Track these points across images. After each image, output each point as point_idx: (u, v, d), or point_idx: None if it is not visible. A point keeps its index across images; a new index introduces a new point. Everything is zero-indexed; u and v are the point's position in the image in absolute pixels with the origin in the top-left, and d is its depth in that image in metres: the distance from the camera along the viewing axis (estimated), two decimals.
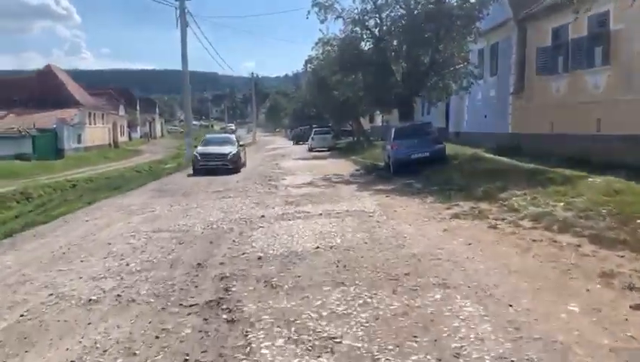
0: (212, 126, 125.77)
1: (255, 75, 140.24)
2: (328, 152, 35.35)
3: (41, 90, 46.91)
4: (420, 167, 16.78)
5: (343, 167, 23.18)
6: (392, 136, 17.57)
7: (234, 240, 8.85)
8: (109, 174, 25.27)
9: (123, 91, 75.13)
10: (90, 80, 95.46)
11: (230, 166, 21.46)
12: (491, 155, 17.90)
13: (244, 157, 24.38)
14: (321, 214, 11.09)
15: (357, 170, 20.85)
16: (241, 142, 25.04)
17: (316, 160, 28.39)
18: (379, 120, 49.72)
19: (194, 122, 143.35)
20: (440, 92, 20.59)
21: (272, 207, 12.27)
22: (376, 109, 26.08)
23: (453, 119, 28.18)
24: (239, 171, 21.69)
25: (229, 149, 22.37)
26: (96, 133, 51.52)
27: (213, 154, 22.01)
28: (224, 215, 11.59)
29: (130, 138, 70.88)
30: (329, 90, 31.46)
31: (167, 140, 79.80)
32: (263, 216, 11.13)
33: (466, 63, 20.99)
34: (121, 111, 63.03)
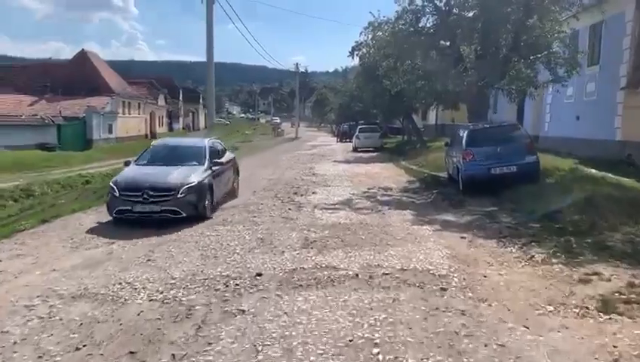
0: (258, 119, 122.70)
1: (304, 69, 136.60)
2: (375, 153, 30.40)
3: (74, 76, 44.09)
4: (501, 185, 11.83)
5: (393, 175, 18.31)
6: (465, 140, 12.54)
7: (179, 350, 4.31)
8: None
9: (165, 81, 72.36)
10: (144, 71, 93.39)
11: (184, 211, 9.95)
12: (603, 173, 12.67)
13: (233, 181, 13.39)
14: (356, 276, 6.47)
15: (411, 183, 15.95)
16: (222, 157, 12.58)
17: (360, 163, 23.57)
18: (432, 117, 44.30)
19: (240, 114, 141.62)
20: (526, 82, 15.35)
21: (280, 252, 7.68)
22: (436, 104, 20.85)
23: (529, 119, 22.68)
24: (207, 217, 10.42)
25: (186, 176, 10.38)
26: (131, 124, 48.42)
27: (147, 186, 9.96)
28: (200, 265, 7.09)
29: (170, 129, 68.01)
30: (378, 81, 26.55)
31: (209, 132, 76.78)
32: (258, 276, 6.56)
33: (563, 45, 15.55)
34: (161, 102, 60.01)
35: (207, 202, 10.45)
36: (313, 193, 13.81)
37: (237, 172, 14.19)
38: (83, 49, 48.31)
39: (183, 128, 72.27)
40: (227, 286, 6.23)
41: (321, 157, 27.57)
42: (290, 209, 11.41)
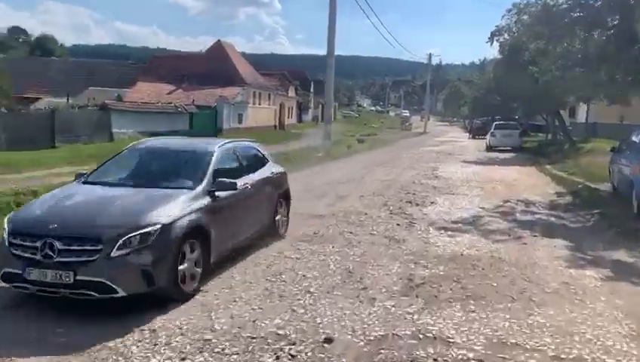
0: (388, 112, 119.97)
1: (437, 61, 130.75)
2: (512, 154, 26.34)
3: (209, 67, 45.12)
4: None
5: (535, 184, 14.86)
6: None
7: None
8: None
9: (297, 73, 72.65)
10: (282, 64, 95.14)
11: (119, 286, 4.87)
12: None
13: (274, 211, 7.80)
14: None
15: (560, 195, 12.53)
16: (252, 172, 7.32)
17: (494, 165, 20.10)
18: (582, 113, 38.34)
19: (370, 107, 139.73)
20: None
21: (369, 299, 5.33)
22: (595, 97, 16.60)
23: None
24: (185, 294, 5.33)
25: (147, 209, 5.34)
26: (260, 114, 48.61)
27: (52, 230, 5.01)
28: (257, 309, 5.01)
29: (299, 120, 68.18)
30: (521, 70, 22.83)
31: (337, 125, 75.75)
32: (326, 344, 4.32)
33: None
34: (291, 93, 60.07)
35: (185, 265, 5.35)
36: (432, 203, 11.15)
37: (285, 197, 8.32)
38: (219, 40, 49.35)
39: (312, 120, 72.11)
40: (278, 358, 4.08)
41: (448, 156, 24.40)
42: (398, 225, 8.95)
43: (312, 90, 74.73)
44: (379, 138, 45.48)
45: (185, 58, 50.10)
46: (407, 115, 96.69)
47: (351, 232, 8.33)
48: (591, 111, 35.16)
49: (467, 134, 46.76)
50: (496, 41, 24.04)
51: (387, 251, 7.21)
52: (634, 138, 10.06)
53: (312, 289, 5.61)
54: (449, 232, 8.38)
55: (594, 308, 5.11)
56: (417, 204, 11.01)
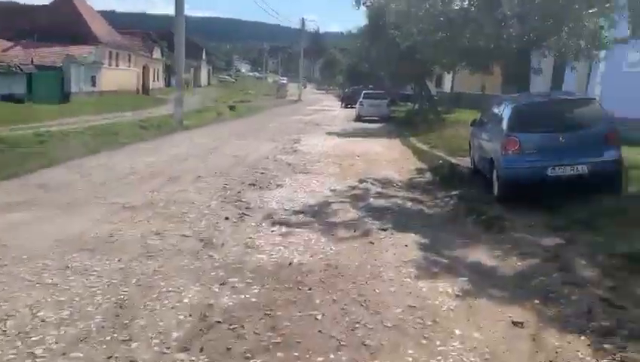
0: (266, 78, 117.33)
1: (316, 28, 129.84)
2: (380, 125, 25.59)
3: (54, 21, 39.29)
4: (560, 194, 7.44)
5: (397, 158, 13.79)
6: (507, 121, 7.99)
7: None
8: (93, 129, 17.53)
9: (165, 34, 67.14)
10: (158, 26, 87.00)
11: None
12: None
13: None
14: None
15: (420, 172, 11.43)
16: None
17: (359, 137, 18.88)
18: (448, 83, 39.22)
19: (248, 73, 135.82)
20: (591, 39, 10.67)
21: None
22: (459, 65, 15.67)
23: (607, 94, 17.58)
24: None
25: None
26: (119, 77, 43.77)
27: None
28: None
29: (168, 84, 63.36)
30: (386, 36, 21.85)
31: (210, 89, 71.91)
32: None
33: None
34: (157, 54, 55.12)
35: None
36: (278, 186, 9.44)
37: None
38: None
39: (185, 85, 67.40)
40: None
41: (315, 126, 22.99)
42: (226, 218, 7.08)
43: None
44: (252, 105, 43.36)
45: (25, 11, 43.28)
46: (285, 82, 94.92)
47: (158, 233, 6.31)
48: (455, 81, 35.96)
49: (340, 103, 46.08)
50: (363, 4, 22.79)
51: (192, 264, 5.30)
52: (495, 110, 9.06)
53: (40, 351, 3.55)
54: (284, 228, 6.68)
55: (445, 353, 3.66)
56: (261, 188, 9.23)
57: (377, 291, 4.72)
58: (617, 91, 14.90)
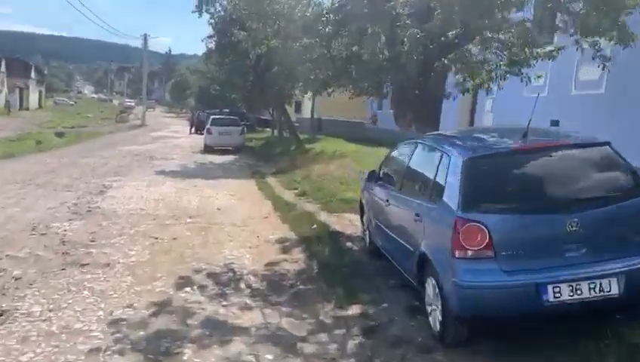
0: (111, 100, 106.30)
1: (167, 50, 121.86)
2: (233, 157, 20.97)
3: None
4: (565, 331, 3.59)
5: (253, 217, 9.11)
6: (457, 188, 3.85)
7: None
8: None
9: None
10: None
11: None
12: None
13: None
14: None
15: (288, 253, 6.87)
16: None
17: (201, 178, 13.82)
18: (307, 108, 35.89)
19: (92, 94, 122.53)
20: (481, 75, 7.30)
21: None
22: (340, 84, 11.66)
23: (449, 124, 14.67)
24: None
25: None
26: None
27: None
28: None
29: None
30: (238, 51, 17.57)
31: (40, 113, 61.36)
32: None
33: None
34: None
35: None
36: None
37: None
38: None
39: (5, 106, 56.37)
40: None
41: (145, 161, 17.49)
42: None
43: (2, 68, 58.71)
44: (85, 131, 36.14)
45: None
46: (132, 104, 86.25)
47: None
48: (316, 106, 32.74)
49: (189, 128, 40.37)
50: (206, 11, 18.20)
51: None
52: (417, 160, 4.92)
53: None
54: None
55: None
56: None
57: None
58: (516, 121, 12.00)
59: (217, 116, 25.78)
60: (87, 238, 7.10)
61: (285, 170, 14.98)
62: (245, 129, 25.14)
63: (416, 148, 4.96)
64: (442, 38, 7.16)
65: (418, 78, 7.31)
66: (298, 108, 36.72)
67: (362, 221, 6.83)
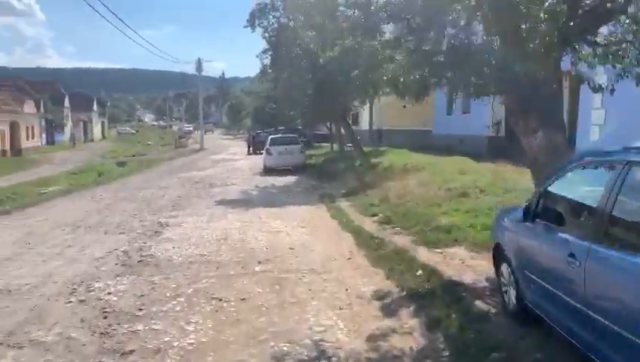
0: (170, 126, 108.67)
1: (221, 74, 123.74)
2: (294, 178, 19.43)
3: None
4: None
5: (334, 259, 7.25)
6: None
7: None
8: None
9: (45, 84, 58.04)
10: (53, 78, 75.64)
11: None
12: None
13: None
14: None
15: (394, 316, 4.99)
16: None
17: (264, 206, 12.20)
18: (364, 120, 34.08)
19: (152, 122, 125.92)
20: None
21: None
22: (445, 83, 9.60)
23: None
24: None
25: None
26: None
27: None
28: None
29: (50, 142, 53.91)
30: (296, 65, 16.10)
31: (104, 143, 62.98)
32: None
33: None
34: (29, 109, 46.03)
35: None
36: None
37: None
38: None
39: (70, 140, 58.00)
40: None
41: (205, 189, 16.14)
42: None
43: (67, 104, 60.63)
44: (146, 159, 35.97)
45: None
46: (190, 128, 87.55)
47: None
48: (378, 116, 30.86)
49: (247, 149, 39.39)
50: (259, 26, 16.86)
51: None
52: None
53: None
54: None
55: None
56: None
57: None
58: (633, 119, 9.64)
59: (276, 135, 24.34)
60: (135, 305, 5.55)
61: (356, 191, 13.19)
62: (304, 147, 23.51)
63: (627, 170, 2.99)
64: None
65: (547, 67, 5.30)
66: (355, 120, 35.00)
67: (499, 272, 4.86)
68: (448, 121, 21.36)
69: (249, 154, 36.24)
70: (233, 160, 31.38)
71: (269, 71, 20.28)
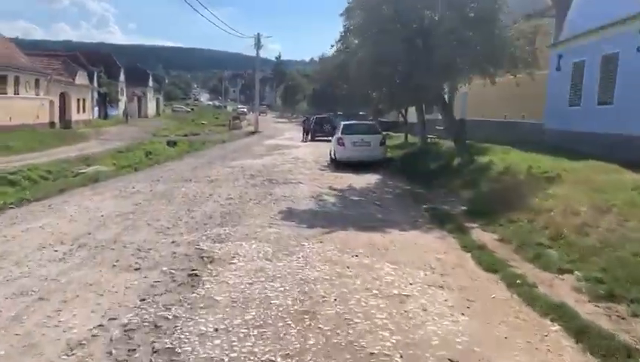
0: (225, 107, 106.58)
1: (277, 56, 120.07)
2: (373, 176, 14.93)
3: None
4: None
5: None
6: None
7: None
8: None
9: (101, 57, 55.99)
10: (114, 54, 74.45)
11: None
12: None
13: None
14: None
15: None
16: None
17: (357, 231, 8.00)
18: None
19: (208, 102, 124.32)
20: None
21: None
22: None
23: None
24: None
25: None
26: (17, 106, 32.41)
27: None
28: None
29: (103, 115, 51.92)
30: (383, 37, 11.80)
31: (157, 121, 60.66)
32: None
33: None
34: (81, 80, 43.71)
35: None
36: None
37: None
38: None
39: (123, 115, 55.95)
40: None
41: (264, 188, 12.24)
42: None
43: (122, 78, 58.56)
44: (199, 139, 32.86)
45: None
46: (245, 110, 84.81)
47: None
48: (458, 105, 26.08)
49: (303, 135, 35.29)
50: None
51: None
52: None
53: None
54: None
55: None
56: None
57: None
58: None
59: (350, 122, 19.89)
60: None
61: (486, 209, 8.86)
62: (385, 137, 19.04)
63: None
64: None
65: None
66: (429, 108, 30.16)
67: None
68: (571, 113, 16.49)
69: (305, 140, 32.29)
70: (292, 146, 27.43)
71: (349, 38, 15.88)
